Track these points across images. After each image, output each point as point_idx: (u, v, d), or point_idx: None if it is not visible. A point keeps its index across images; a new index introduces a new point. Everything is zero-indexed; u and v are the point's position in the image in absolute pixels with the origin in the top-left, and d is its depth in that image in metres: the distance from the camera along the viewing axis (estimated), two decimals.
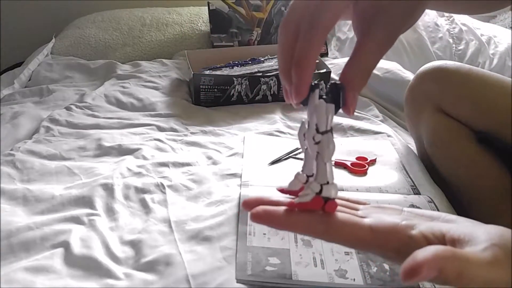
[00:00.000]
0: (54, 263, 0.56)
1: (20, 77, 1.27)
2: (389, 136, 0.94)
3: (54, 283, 0.53)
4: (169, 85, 1.22)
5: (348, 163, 0.81)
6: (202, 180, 0.76)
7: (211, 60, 1.24)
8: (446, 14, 1.56)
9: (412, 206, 0.66)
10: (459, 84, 0.73)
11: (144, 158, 0.84)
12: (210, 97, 1.10)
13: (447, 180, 0.76)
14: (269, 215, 0.32)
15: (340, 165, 0.81)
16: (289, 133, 0.97)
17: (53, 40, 1.50)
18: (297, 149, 0.86)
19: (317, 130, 0.32)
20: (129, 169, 0.79)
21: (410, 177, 0.78)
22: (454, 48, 1.47)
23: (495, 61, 1.44)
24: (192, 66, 1.16)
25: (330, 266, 0.55)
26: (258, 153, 0.86)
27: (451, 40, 1.48)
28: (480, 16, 1.66)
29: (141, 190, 0.73)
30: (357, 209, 0.36)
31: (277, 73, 1.07)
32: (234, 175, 0.78)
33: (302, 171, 0.35)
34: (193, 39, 1.52)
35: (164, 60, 1.41)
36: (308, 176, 0.34)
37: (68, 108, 1.06)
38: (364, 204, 0.38)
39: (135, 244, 0.60)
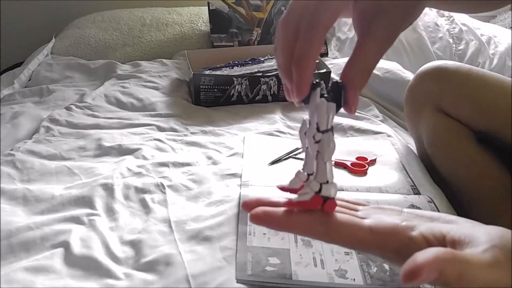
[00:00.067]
0: (54, 263, 0.56)
1: (20, 77, 1.27)
2: (389, 136, 0.94)
3: (54, 283, 0.53)
4: (169, 85, 1.22)
5: (348, 163, 0.81)
6: (202, 180, 0.76)
7: (211, 60, 1.24)
8: (446, 14, 1.55)
9: (412, 206, 0.66)
10: (459, 84, 0.73)
11: (144, 158, 0.84)
12: (210, 97, 1.10)
13: (447, 180, 0.76)
14: (268, 216, 0.32)
15: (340, 165, 0.81)
16: (289, 133, 0.97)
17: (53, 40, 1.50)
18: (297, 149, 0.86)
19: (318, 129, 0.32)
20: (129, 169, 0.79)
21: (410, 177, 0.78)
22: (454, 48, 1.47)
23: (495, 61, 1.44)
24: (192, 66, 1.16)
25: (330, 266, 0.55)
26: (258, 153, 0.86)
27: (451, 40, 1.48)
28: (480, 16, 1.66)
29: (141, 190, 0.73)
30: (356, 210, 0.36)
31: (277, 73, 1.07)
32: (234, 175, 0.78)
33: (303, 169, 0.35)
34: (193, 39, 1.52)
35: (164, 60, 1.41)
36: (308, 175, 0.34)
37: (68, 108, 1.06)
38: (363, 205, 0.38)
39: (135, 244, 0.60)
